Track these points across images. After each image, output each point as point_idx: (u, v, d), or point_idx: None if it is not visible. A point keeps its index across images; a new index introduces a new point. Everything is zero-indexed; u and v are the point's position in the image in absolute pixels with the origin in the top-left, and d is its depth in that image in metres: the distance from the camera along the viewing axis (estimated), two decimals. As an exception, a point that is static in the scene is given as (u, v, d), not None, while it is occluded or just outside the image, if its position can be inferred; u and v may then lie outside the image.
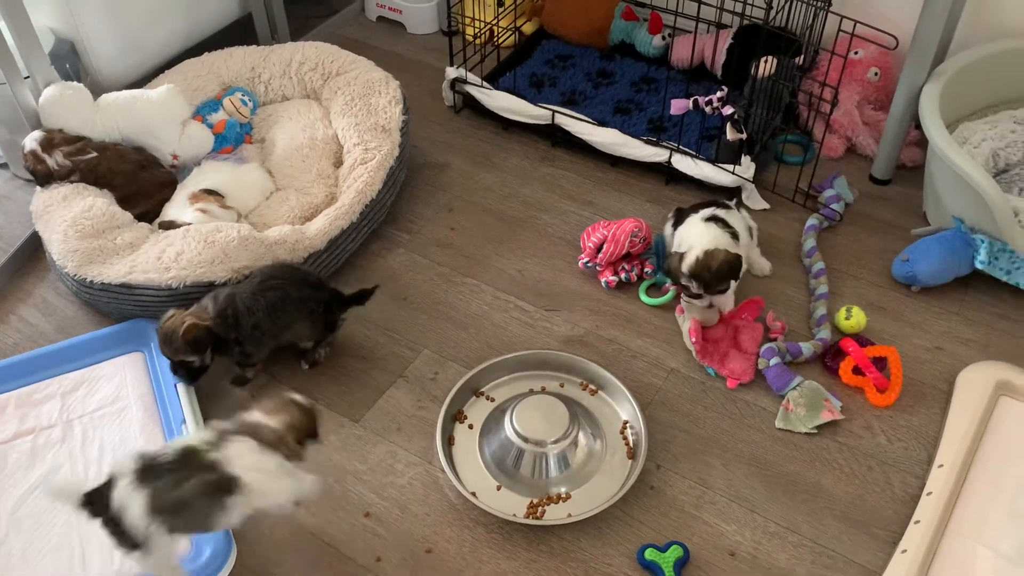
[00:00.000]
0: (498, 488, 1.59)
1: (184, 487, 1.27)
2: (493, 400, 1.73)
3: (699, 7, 2.00)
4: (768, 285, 1.93)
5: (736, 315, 1.83)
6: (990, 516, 1.49)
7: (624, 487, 1.55)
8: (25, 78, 2.00)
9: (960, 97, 2.04)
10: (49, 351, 1.77)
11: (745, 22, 2.06)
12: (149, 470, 1.27)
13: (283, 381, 1.77)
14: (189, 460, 1.29)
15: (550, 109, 2.25)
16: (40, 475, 1.57)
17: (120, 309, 1.81)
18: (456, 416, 1.70)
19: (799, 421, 1.66)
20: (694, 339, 1.75)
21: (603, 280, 1.94)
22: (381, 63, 2.30)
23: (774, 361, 1.72)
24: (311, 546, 1.50)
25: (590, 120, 2.22)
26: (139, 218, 1.93)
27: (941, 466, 1.55)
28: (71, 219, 1.83)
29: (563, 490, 1.58)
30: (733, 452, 1.64)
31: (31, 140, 1.92)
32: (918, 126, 1.97)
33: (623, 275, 1.93)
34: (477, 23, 2.43)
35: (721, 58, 2.34)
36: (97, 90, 2.07)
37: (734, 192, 2.10)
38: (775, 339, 1.79)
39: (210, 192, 1.95)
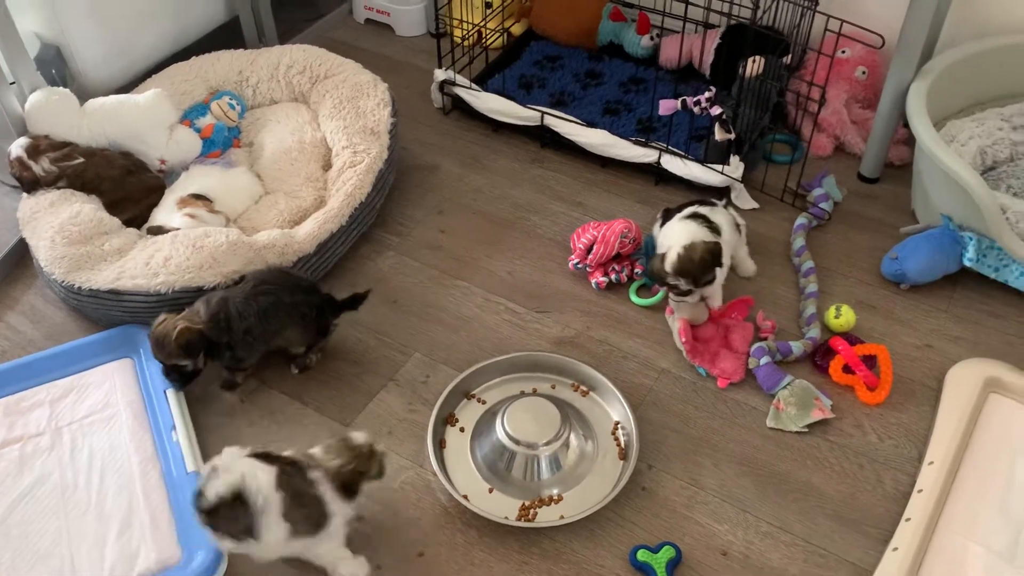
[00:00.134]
0: (490, 491, 1.59)
1: (303, 484, 1.35)
2: (484, 402, 1.73)
3: (686, 7, 2.01)
4: (758, 284, 1.94)
5: (726, 314, 1.83)
6: (981, 513, 1.49)
7: (616, 488, 1.55)
8: (11, 84, 1.99)
9: (947, 95, 2.05)
10: (37, 358, 1.76)
11: (732, 22, 2.06)
12: (272, 457, 1.35)
13: (273, 386, 1.76)
14: (300, 468, 1.37)
15: (539, 111, 2.25)
16: (29, 483, 1.56)
17: (108, 315, 1.80)
18: (447, 419, 1.70)
19: (790, 420, 1.67)
20: (684, 339, 1.76)
21: (593, 281, 1.94)
22: (369, 65, 2.29)
23: (764, 360, 1.72)
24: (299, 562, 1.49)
25: (579, 121, 2.22)
26: (127, 224, 1.92)
27: (931, 463, 1.56)
28: (58, 225, 1.82)
29: (555, 492, 1.58)
30: (724, 452, 1.64)
31: (17, 147, 1.91)
32: (906, 124, 1.97)
33: (613, 276, 1.93)
34: (465, 25, 2.43)
35: (709, 58, 2.34)
36: (83, 95, 2.06)
37: (723, 192, 2.10)
38: (765, 338, 1.80)
39: (198, 197, 1.94)
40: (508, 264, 2.01)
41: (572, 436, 1.62)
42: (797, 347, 1.75)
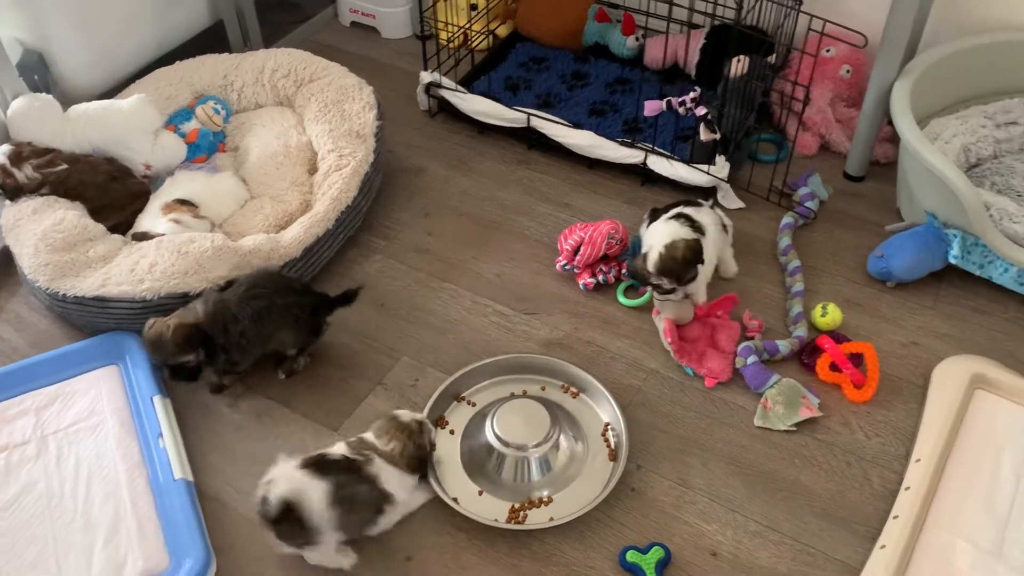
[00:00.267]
0: (480, 493, 1.59)
1: (359, 488, 1.40)
2: (474, 405, 1.73)
3: (670, 8, 2.01)
4: (745, 284, 1.94)
5: (711, 311, 1.83)
6: (967, 509, 1.50)
7: (605, 490, 1.55)
8: (-7, 90, 1.98)
9: (931, 93, 2.06)
10: (22, 366, 1.75)
11: (716, 22, 2.06)
12: (323, 465, 1.39)
13: (260, 391, 1.76)
14: (352, 467, 1.40)
15: (525, 112, 2.25)
16: (15, 492, 1.55)
17: (94, 322, 1.79)
18: (437, 422, 1.69)
19: (777, 419, 1.67)
20: (669, 339, 1.76)
21: (581, 282, 1.94)
22: (355, 68, 2.29)
23: (751, 359, 1.73)
24: (290, 557, 1.49)
25: (566, 123, 2.22)
26: (112, 230, 1.91)
27: (918, 460, 1.57)
28: (42, 232, 1.81)
29: (545, 494, 1.58)
30: (713, 451, 1.64)
31: (-1, 154, 1.90)
32: (891, 122, 1.98)
33: (601, 277, 1.93)
34: (450, 27, 2.43)
35: (695, 58, 2.35)
36: (67, 101, 2.05)
37: (710, 192, 2.10)
38: (752, 337, 1.80)
39: (183, 202, 1.93)
40: (496, 266, 2.01)
41: (562, 438, 1.62)
42: (784, 346, 1.76)
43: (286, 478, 1.38)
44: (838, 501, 1.56)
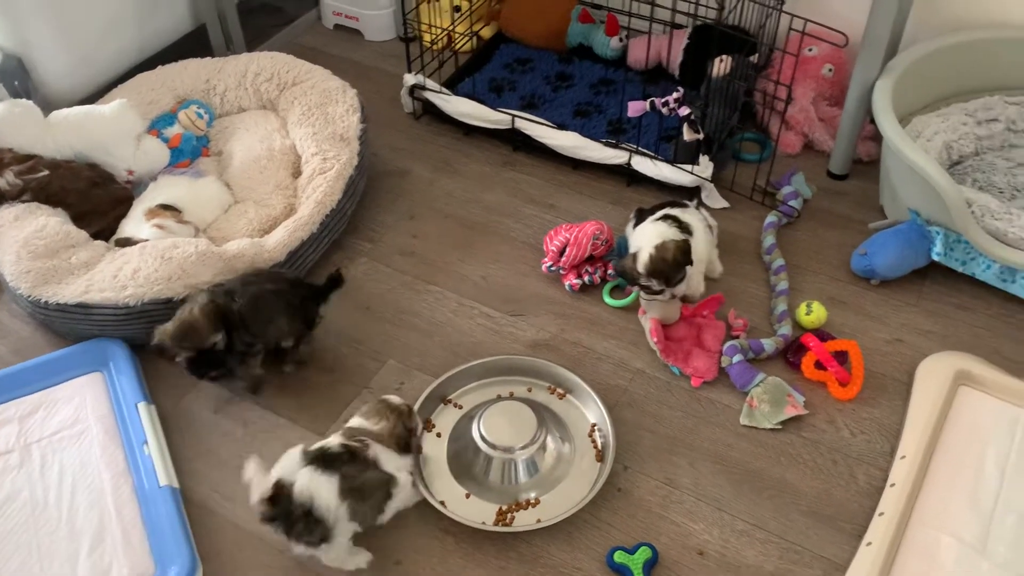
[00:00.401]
0: (467, 496, 1.58)
1: (366, 475, 1.40)
2: (461, 407, 1.73)
3: (652, 8, 2.01)
4: (729, 283, 1.95)
5: (697, 311, 1.84)
6: (952, 505, 1.51)
7: (592, 490, 1.55)
8: (-28, 97, 1.96)
9: (912, 91, 2.07)
10: (5, 374, 1.74)
11: (698, 22, 2.07)
12: (328, 459, 1.38)
13: (245, 396, 1.75)
14: (356, 455, 1.39)
15: (510, 114, 2.25)
16: (-1, 502, 1.55)
17: (77, 329, 1.78)
18: (424, 425, 1.69)
19: (763, 417, 1.68)
20: (655, 339, 1.76)
21: (567, 283, 1.94)
22: (339, 71, 2.28)
23: (737, 358, 1.73)
24: (277, 563, 1.49)
25: (550, 124, 2.23)
26: (95, 236, 1.90)
27: (903, 457, 1.57)
28: (23, 239, 1.80)
29: (532, 495, 1.58)
30: (699, 451, 1.65)
31: (-21, 161, 1.89)
32: (873, 121, 1.99)
33: (586, 278, 1.93)
34: (434, 29, 2.43)
35: (678, 58, 2.36)
36: (47, 107, 2.04)
37: (694, 192, 2.11)
38: (737, 336, 1.81)
39: (167, 207, 1.92)
40: (481, 268, 2.01)
41: (549, 439, 1.62)
42: (769, 344, 1.77)
43: (292, 467, 1.37)
44: (824, 499, 1.57)
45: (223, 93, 2.26)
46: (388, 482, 1.43)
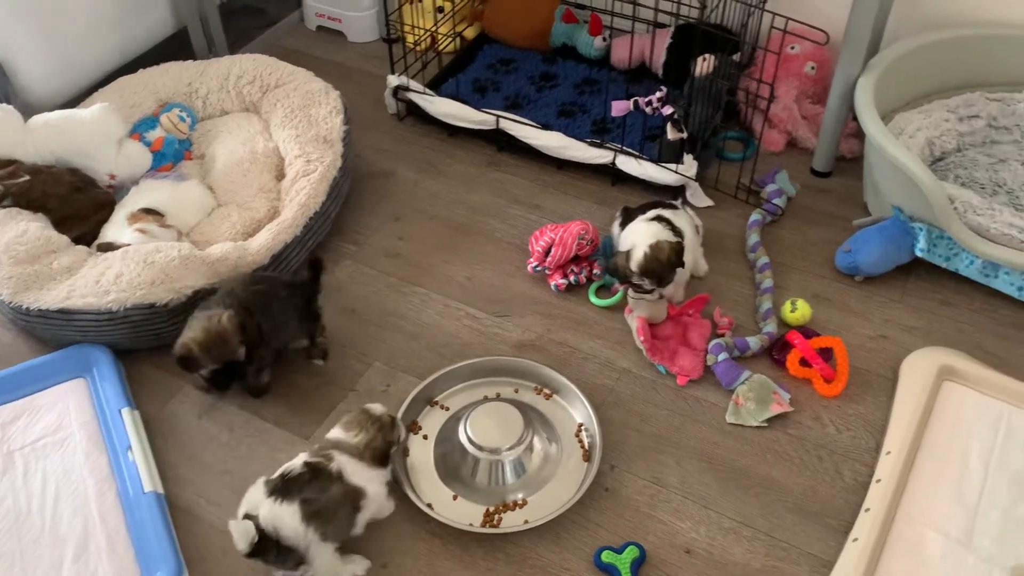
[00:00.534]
0: (454, 498, 1.58)
1: (328, 494, 1.37)
2: (447, 409, 1.72)
3: (634, 8, 2.02)
4: (714, 281, 1.95)
5: (683, 311, 1.84)
6: (937, 500, 1.52)
7: (580, 491, 1.55)
8: (-49, 102, 1.94)
9: (894, 88, 2.08)
10: (-14, 382, 1.72)
11: (680, 21, 2.07)
12: (288, 485, 1.36)
13: (230, 401, 1.74)
14: (319, 472, 1.38)
15: (494, 114, 2.25)
16: (-19, 510, 1.53)
17: (59, 335, 1.77)
18: (410, 427, 1.69)
19: (749, 415, 1.68)
20: (642, 338, 1.76)
21: (552, 283, 1.94)
22: (322, 73, 2.28)
23: (722, 357, 1.73)
24: (263, 568, 1.47)
25: (534, 124, 2.22)
26: (76, 241, 1.88)
27: (889, 453, 1.58)
28: (4, 245, 1.78)
29: (520, 496, 1.58)
30: (685, 449, 1.65)
31: (-40, 166, 1.87)
32: (856, 118, 2.00)
33: (572, 278, 1.93)
34: (417, 30, 2.42)
35: (661, 57, 2.36)
36: (27, 111, 2.02)
37: (678, 191, 2.11)
38: (723, 335, 1.81)
39: (149, 211, 1.91)
40: (467, 269, 2.01)
41: (536, 440, 1.62)
42: (754, 342, 1.77)
43: (257, 503, 1.36)
44: (810, 495, 1.57)
45: (205, 96, 2.25)
46: (355, 495, 1.40)
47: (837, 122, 2.11)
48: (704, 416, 1.70)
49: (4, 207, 1.87)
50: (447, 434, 1.66)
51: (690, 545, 1.51)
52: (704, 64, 2.06)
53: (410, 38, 2.44)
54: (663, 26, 2.32)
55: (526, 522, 1.52)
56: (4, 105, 1.98)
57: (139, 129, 2.14)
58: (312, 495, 1.36)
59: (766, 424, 1.67)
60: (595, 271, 1.95)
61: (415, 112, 2.39)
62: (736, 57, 2.22)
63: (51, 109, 2.06)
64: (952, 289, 1.92)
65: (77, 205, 1.93)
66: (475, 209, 2.16)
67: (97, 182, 2.02)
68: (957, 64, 2.14)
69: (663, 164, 2.09)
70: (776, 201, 2.07)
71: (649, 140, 2.21)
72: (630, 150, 2.14)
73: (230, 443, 1.67)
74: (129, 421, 1.64)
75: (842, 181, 2.20)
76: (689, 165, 2.07)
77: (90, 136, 2.00)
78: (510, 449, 1.59)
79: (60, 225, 1.89)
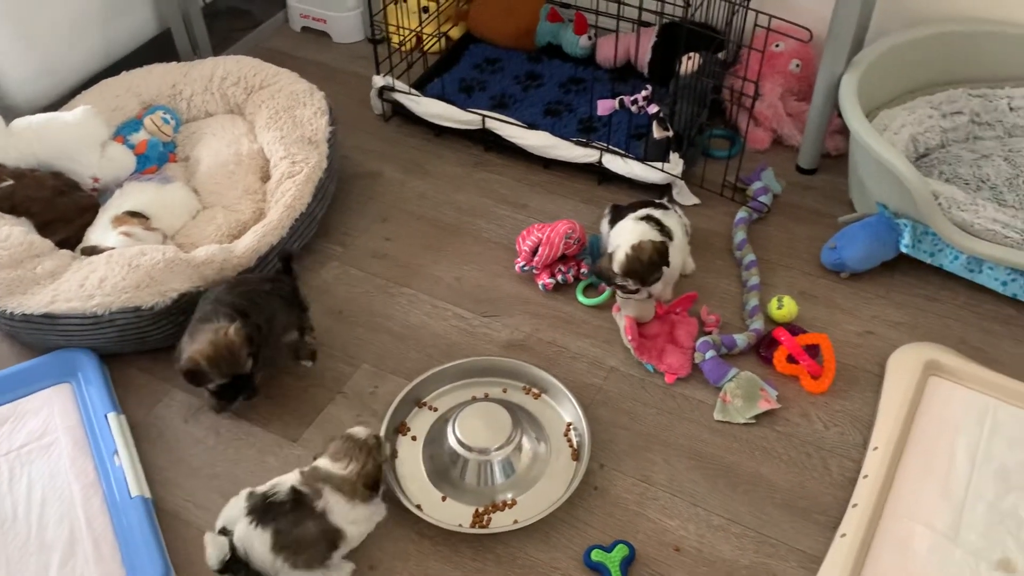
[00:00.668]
0: (443, 499, 1.58)
1: (303, 528, 1.35)
2: (436, 410, 1.72)
3: (619, 7, 2.02)
4: (701, 279, 1.96)
5: (670, 309, 1.84)
6: (924, 494, 1.52)
7: (569, 490, 1.55)
8: (-68, 106, 1.93)
9: (878, 85, 2.09)
10: (-30, 388, 1.71)
11: (665, 20, 2.08)
12: (267, 508, 1.35)
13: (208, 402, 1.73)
14: (301, 503, 1.35)
15: (480, 114, 2.24)
16: (-34, 517, 1.52)
17: (44, 340, 1.75)
18: (399, 428, 1.68)
19: (737, 412, 1.68)
20: (630, 337, 1.77)
21: (540, 283, 1.94)
22: (307, 74, 2.27)
23: (710, 354, 1.74)
24: None
25: (521, 123, 2.22)
26: (60, 245, 1.86)
27: (876, 448, 1.59)
28: (-14, 250, 1.77)
29: (509, 496, 1.58)
30: (674, 447, 1.65)
31: (-59, 170, 1.85)
32: (840, 115, 2.00)
33: (560, 277, 1.93)
34: (402, 30, 2.42)
35: (646, 56, 2.36)
36: (9, 115, 2.00)
37: (665, 189, 2.11)
38: (710, 332, 1.82)
39: (134, 214, 1.90)
40: (455, 269, 2.00)
41: (524, 439, 1.62)
42: (741, 339, 1.77)
43: (234, 518, 1.35)
44: (798, 492, 1.58)
45: (189, 98, 2.24)
46: (333, 535, 1.38)
47: (822, 119, 2.11)
48: (692, 414, 1.70)
49: (-13, 212, 1.86)
50: (436, 435, 1.66)
51: (679, 543, 1.51)
52: (689, 62, 2.07)
53: (395, 38, 2.44)
54: (648, 25, 2.33)
55: (515, 522, 1.52)
56: (-15, 109, 1.97)
57: (123, 132, 2.13)
58: (285, 527, 1.34)
59: (754, 421, 1.68)
60: (582, 270, 1.95)
61: (401, 112, 2.38)
62: (721, 55, 2.22)
63: (33, 112, 2.05)
64: (937, 285, 1.93)
65: (61, 209, 1.92)
66: (462, 209, 2.16)
67: (81, 185, 2.00)
68: (940, 60, 2.15)
69: (649, 163, 2.10)
70: (762, 199, 2.08)
71: (635, 139, 2.21)
72: (616, 149, 2.14)
73: (217, 446, 1.67)
74: (115, 425, 1.64)
75: (827, 178, 2.21)
76: (675, 163, 2.08)
77: (73, 139, 1.99)
78: (499, 449, 1.58)
79: (43, 229, 1.88)
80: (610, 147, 2.14)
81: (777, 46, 2.26)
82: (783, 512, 1.55)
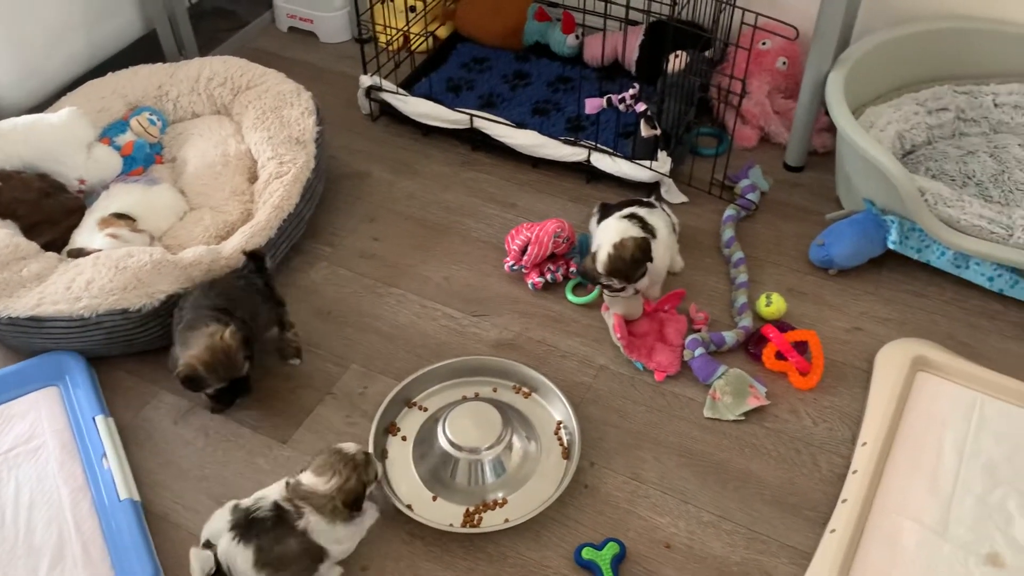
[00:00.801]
0: (434, 499, 1.57)
1: (285, 545, 1.34)
2: (426, 410, 1.72)
3: (607, 5, 2.02)
4: (690, 277, 1.96)
5: (659, 306, 1.85)
6: (913, 490, 1.53)
7: (559, 488, 1.55)
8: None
9: (865, 82, 2.10)
10: (-44, 392, 1.70)
11: (652, 18, 2.08)
12: (250, 524, 1.34)
13: (206, 405, 1.72)
14: (282, 520, 1.35)
15: (468, 113, 2.24)
16: (-48, 522, 1.51)
17: (30, 343, 1.74)
18: (388, 429, 1.68)
19: (726, 409, 1.69)
20: (619, 335, 1.77)
21: (529, 282, 1.94)
22: (294, 74, 2.26)
23: (699, 352, 1.74)
24: None
25: (509, 123, 2.22)
26: (46, 247, 1.85)
27: (864, 444, 1.59)
28: (-28, 253, 1.76)
29: (499, 495, 1.58)
30: (664, 444, 1.65)
31: (-75, 174, 1.84)
32: (827, 112, 2.01)
33: (549, 276, 1.93)
34: (389, 30, 2.41)
35: (634, 54, 2.37)
36: (-6, 117, 2.00)
37: (653, 187, 2.12)
38: (699, 330, 1.82)
39: (120, 216, 1.89)
40: (443, 269, 2.00)
41: (515, 438, 1.62)
42: (730, 337, 1.78)
43: (218, 531, 1.35)
44: (788, 488, 1.58)
45: (176, 99, 2.23)
46: (316, 553, 1.37)
47: (809, 117, 2.12)
48: (682, 411, 1.71)
49: (-28, 214, 1.85)
50: (426, 435, 1.65)
51: (670, 540, 1.51)
52: (676, 61, 2.07)
53: (382, 38, 2.43)
54: (635, 23, 2.33)
55: (506, 521, 1.52)
56: (-30, 111, 1.96)
57: (109, 133, 2.11)
58: (267, 544, 1.33)
59: (743, 418, 1.68)
60: (571, 269, 1.95)
61: (389, 112, 2.38)
62: (708, 53, 2.23)
63: (19, 114, 2.04)
64: (924, 280, 1.94)
65: (47, 211, 1.91)
66: (450, 209, 2.15)
67: (67, 187, 1.99)
68: (926, 58, 2.17)
69: (637, 161, 2.10)
70: (750, 196, 2.09)
71: (623, 137, 2.21)
72: (604, 147, 2.14)
73: (206, 448, 1.66)
74: (103, 428, 1.63)
75: (814, 175, 2.21)
76: (663, 161, 2.08)
77: (59, 141, 1.98)
78: (489, 448, 1.58)
79: (29, 231, 1.87)
80: (598, 146, 2.14)
81: (764, 44, 2.27)
82: (773, 508, 1.56)
